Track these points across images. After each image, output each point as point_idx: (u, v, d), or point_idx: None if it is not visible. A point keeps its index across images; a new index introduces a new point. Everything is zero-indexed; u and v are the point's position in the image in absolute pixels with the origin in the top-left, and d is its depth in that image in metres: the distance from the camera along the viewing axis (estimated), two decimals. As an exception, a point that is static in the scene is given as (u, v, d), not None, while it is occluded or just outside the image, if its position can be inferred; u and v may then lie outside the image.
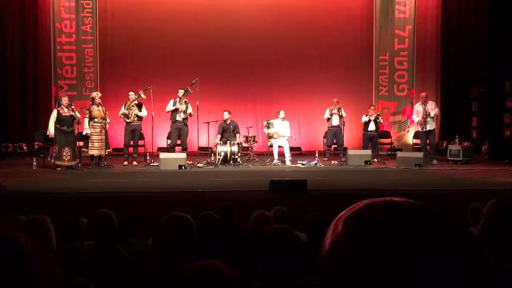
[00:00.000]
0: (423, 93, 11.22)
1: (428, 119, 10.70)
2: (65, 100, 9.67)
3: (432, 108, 10.77)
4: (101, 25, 12.74)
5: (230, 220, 3.99)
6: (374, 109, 11.61)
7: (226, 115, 10.96)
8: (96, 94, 10.01)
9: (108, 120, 9.99)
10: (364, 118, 11.40)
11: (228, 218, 3.93)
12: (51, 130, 9.45)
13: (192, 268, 1.21)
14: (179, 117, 10.64)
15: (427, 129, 10.76)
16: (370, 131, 11.33)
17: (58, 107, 9.62)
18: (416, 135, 11.80)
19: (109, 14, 12.85)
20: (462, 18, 13.22)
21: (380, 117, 11.49)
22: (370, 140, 11.38)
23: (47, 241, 2.70)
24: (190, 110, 10.67)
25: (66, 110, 9.55)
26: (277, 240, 1.95)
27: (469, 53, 13.03)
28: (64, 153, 9.42)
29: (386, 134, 12.59)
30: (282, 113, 10.80)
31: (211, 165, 10.23)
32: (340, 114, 11.20)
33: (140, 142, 11.02)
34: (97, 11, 12.64)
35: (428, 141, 10.91)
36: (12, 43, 12.47)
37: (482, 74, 12.56)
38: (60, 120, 9.44)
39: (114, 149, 11.29)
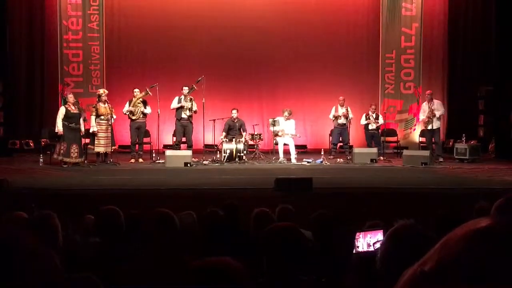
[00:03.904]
0: (428, 91, 11.20)
1: (433, 118, 10.68)
2: (71, 98, 9.71)
3: (438, 108, 10.74)
4: (108, 22, 12.76)
5: (235, 217, 3.99)
6: (375, 109, 11.60)
7: (234, 113, 10.94)
8: (103, 91, 10.03)
9: (114, 116, 10.02)
10: (363, 121, 11.45)
11: (233, 215, 3.93)
12: (59, 127, 9.47)
13: (202, 264, 1.21)
14: (185, 114, 10.63)
15: (431, 128, 10.74)
16: (371, 129, 11.40)
17: (65, 104, 9.65)
18: (422, 133, 11.76)
19: (116, 11, 12.87)
20: (469, 16, 13.13)
21: (380, 118, 11.52)
22: (372, 138, 11.42)
23: (53, 238, 2.71)
24: (195, 107, 10.67)
25: (73, 107, 9.59)
26: (282, 238, 1.95)
27: (476, 51, 12.94)
28: (72, 150, 9.46)
29: (392, 132, 12.55)
30: (286, 113, 10.80)
31: (217, 162, 10.23)
32: (348, 117, 11.23)
33: (146, 140, 11.05)
34: (104, 9, 12.66)
35: (433, 140, 10.88)
36: (19, 41, 12.52)
37: (489, 72, 12.49)
38: (68, 117, 9.48)
39: (120, 146, 11.33)
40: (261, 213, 3.57)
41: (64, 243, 3.06)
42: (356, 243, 2.03)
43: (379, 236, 1.98)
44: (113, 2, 12.82)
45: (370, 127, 11.43)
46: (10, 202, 5.32)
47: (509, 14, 11.80)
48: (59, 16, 12.54)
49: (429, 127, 10.76)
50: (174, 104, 10.76)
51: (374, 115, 11.45)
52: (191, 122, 10.79)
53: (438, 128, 10.91)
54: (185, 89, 10.61)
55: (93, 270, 2.24)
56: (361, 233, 2.05)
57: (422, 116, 10.95)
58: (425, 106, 10.91)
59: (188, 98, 10.63)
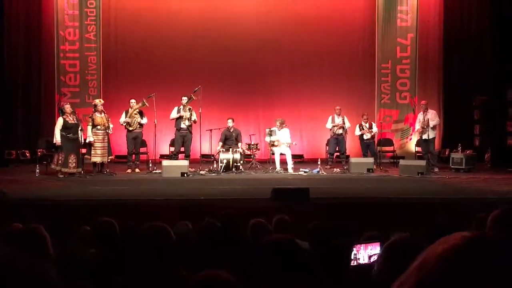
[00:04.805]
0: (423, 101, 11.27)
1: (427, 128, 10.70)
2: (68, 108, 9.71)
3: (432, 118, 10.79)
4: (105, 33, 12.80)
5: (232, 228, 3.98)
6: (367, 118, 11.67)
7: (230, 123, 10.97)
8: (99, 101, 10.04)
9: (111, 125, 10.02)
10: (357, 132, 11.51)
11: (230, 226, 3.92)
12: (57, 138, 9.46)
13: (198, 277, 1.21)
14: (184, 124, 10.66)
15: (425, 138, 10.77)
16: (366, 139, 11.46)
17: (63, 115, 9.64)
18: (418, 143, 11.80)
19: (113, 22, 12.91)
20: (464, 26, 13.23)
21: (374, 126, 11.60)
22: (367, 147, 11.49)
23: (43, 249, 2.71)
24: (194, 117, 10.70)
25: (71, 117, 9.60)
26: (278, 250, 1.94)
27: (472, 61, 13.02)
28: (70, 160, 9.45)
29: (389, 142, 12.58)
30: (278, 122, 10.83)
31: (214, 172, 10.22)
32: (345, 127, 11.26)
33: (143, 150, 11.03)
34: (101, 19, 12.71)
35: (429, 150, 10.91)
36: (16, 51, 12.53)
37: (484, 82, 12.55)
38: (66, 127, 9.48)
39: (117, 156, 11.31)
40: (257, 224, 3.56)
41: (60, 254, 3.05)
42: (357, 255, 2.02)
43: (378, 248, 1.98)
44: (110, 12, 12.87)
45: (365, 137, 11.48)
46: (7, 213, 5.30)
47: (504, 24, 11.90)
48: (56, 27, 12.57)
49: (424, 137, 10.80)
50: (173, 114, 10.79)
51: (367, 125, 11.52)
52: (190, 132, 10.81)
53: (434, 138, 10.95)
54: (184, 99, 10.65)
55: (89, 281, 2.24)
56: (362, 245, 2.05)
57: (418, 126, 11.02)
58: (420, 116, 10.98)
59: (187, 108, 10.66)
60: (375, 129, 11.60)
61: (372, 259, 1.94)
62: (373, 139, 11.60)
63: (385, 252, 1.45)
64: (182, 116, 10.64)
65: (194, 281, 1.22)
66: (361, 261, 2.01)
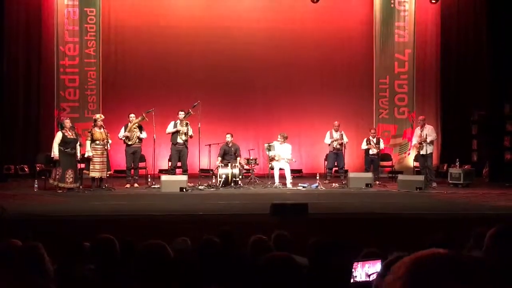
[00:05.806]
0: (421, 116, 11.33)
1: (424, 143, 10.72)
2: (67, 123, 9.73)
3: (429, 133, 10.81)
4: (104, 48, 12.88)
5: (231, 244, 3.98)
6: (375, 133, 11.68)
7: (228, 138, 10.99)
8: (100, 116, 10.05)
9: (110, 141, 10.03)
10: (364, 146, 11.52)
11: (228, 242, 3.92)
12: (55, 152, 9.46)
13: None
14: (180, 139, 10.68)
15: (423, 153, 10.78)
16: (371, 154, 11.44)
17: (62, 129, 9.66)
18: (416, 158, 11.82)
19: (112, 37, 13.00)
20: (461, 42, 13.35)
21: (381, 142, 11.61)
22: (371, 163, 11.48)
23: (41, 267, 2.72)
24: (190, 132, 10.72)
25: (70, 132, 9.61)
26: (277, 268, 1.95)
27: (469, 76, 13.10)
28: (67, 175, 9.44)
29: (387, 157, 12.59)
30: (280, 137, 10.85)
31: (212, 187, 10.22)
32: (342, 142, 11.27)
33: (142, 164, 11.04)
34: (101, 35, 12.80)
35: (426, 165, 10.93)
36: (16, 66, 12.57)
37: (481, 97, 12.63)
38: (65, 142, 9.49)
39: (115, 171, 11.30)
40: (258, 241, 3.56)
41: (59, 270, 3.05)
42: (354, 272, 2.03)
43: (377, 266, 1.98)
44: (110, 28, 12.97)
45: (370, 152, 11.47)
46: (5, 230, 5.29)
47: (501, 39, 12.01)
48: (56, 42, 12.65)
49: (422, 152, 10.82)
50: (170, 128, 10.81)
51: (374, 140, 11.51)
52: (186, 147, 10.82)
53: (431, 153, 10.96)
54: (181, 114, 10.68)
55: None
56: (359, 262, 2.06)
57: (415, 141, 11.06)
58: (418, 131, 11.02)
59: (184, 123, 10.69)
60: (382, 145, 11.61)
61: (371, 277, 1.95)
62: (378, 155, 11.56)
63: (384, 270, 1.45)
64: (179, 130, 10.66)
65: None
66: (357, 279, 2.01)
